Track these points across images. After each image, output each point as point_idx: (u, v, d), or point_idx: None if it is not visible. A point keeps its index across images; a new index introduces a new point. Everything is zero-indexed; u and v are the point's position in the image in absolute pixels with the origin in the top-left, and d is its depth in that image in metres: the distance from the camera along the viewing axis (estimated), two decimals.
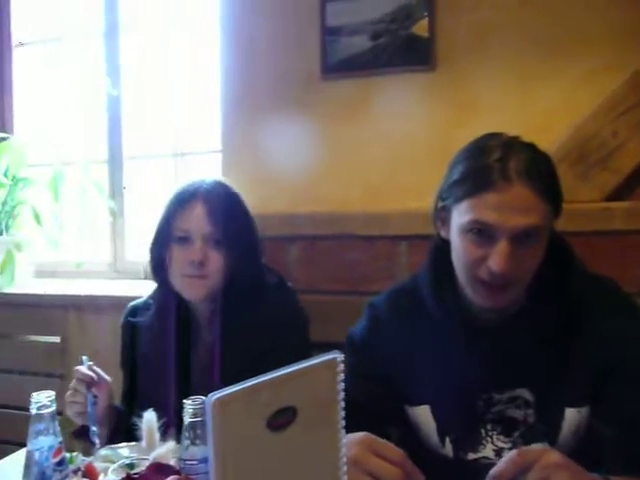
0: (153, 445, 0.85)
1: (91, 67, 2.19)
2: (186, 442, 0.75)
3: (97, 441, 1.03)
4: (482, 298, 0.94)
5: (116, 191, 2.13)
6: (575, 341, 0.96)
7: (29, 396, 2.06)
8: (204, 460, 0.73)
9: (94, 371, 1.11)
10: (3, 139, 2.04)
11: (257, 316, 1.15)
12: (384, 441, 0.79)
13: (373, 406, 0.98)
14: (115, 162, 2.14)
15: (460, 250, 0.94)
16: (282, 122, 1.66)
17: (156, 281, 1.23)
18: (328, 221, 1.57)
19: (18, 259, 1.96)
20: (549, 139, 1.33)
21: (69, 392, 1.10)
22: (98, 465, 0.96)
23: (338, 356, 0.56)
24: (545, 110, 1.43)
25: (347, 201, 1.59)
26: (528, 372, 0.96)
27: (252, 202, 1.26)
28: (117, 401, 1.25)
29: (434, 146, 1.50)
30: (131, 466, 0.89)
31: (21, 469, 0.97)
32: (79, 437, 1.10)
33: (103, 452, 1.03)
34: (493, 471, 0.75)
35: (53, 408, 0.77)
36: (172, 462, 0.79)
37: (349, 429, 0.63)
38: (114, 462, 0.96)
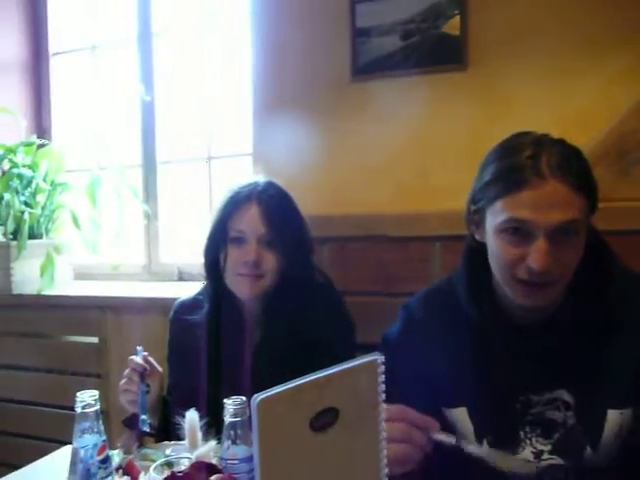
0: (196, 444, 0.87)
1: (125, 74, 2.24)
2: (227, 442, 0.76)
3: (147, 429, 1.07)
4: (522, 297, 0.93)
5: (150, 195, 2.17)
6: (617, 341, 0.94)
7: (68, 395, 2.12)
8: (245, 460, 0.74)
9: (148, 362, 1.15)
10: (42, 145, 2.09)
11: (306, 316, 1.17)
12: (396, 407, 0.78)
13: (410, 407, 0.97)
14: (149, 166, 2.18)
15: (497, 251, 0.93)
16: (312, 124, 1.67)
17: (209, 280, 1.26)
18: (360, 222, 1.57)
19: (57, 262, 2.01)
20: (587, 136, 1.30)
21: (123, 381, 1.14)
22: (138, 463, 0.98)
23: (379, 357, 0.57)
24: (582, 107, 1.41)
25: (378, 202, 1.59)
26: (568, 373, 0.95)
27: None
28: None
29: (467, 146, 1.49)
30: (170, 464, 0.91)
31: (63, 466, 1.00)
32: (129, 425, 1.14)
33: (143, 451, 1.05)
34: None
35: (97, 407, 0.79)
36: (214, 461, 0.80)
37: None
38: (153, 461, 0.98)
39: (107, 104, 2.31)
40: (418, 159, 1.57)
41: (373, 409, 0.56)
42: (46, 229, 2.07)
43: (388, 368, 0.92)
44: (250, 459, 0.76)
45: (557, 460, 0.95)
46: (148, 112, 2.17)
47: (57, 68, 2.41)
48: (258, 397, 0.46)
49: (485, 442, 0.99)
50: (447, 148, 1.53)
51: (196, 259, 2.05)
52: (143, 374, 1.13)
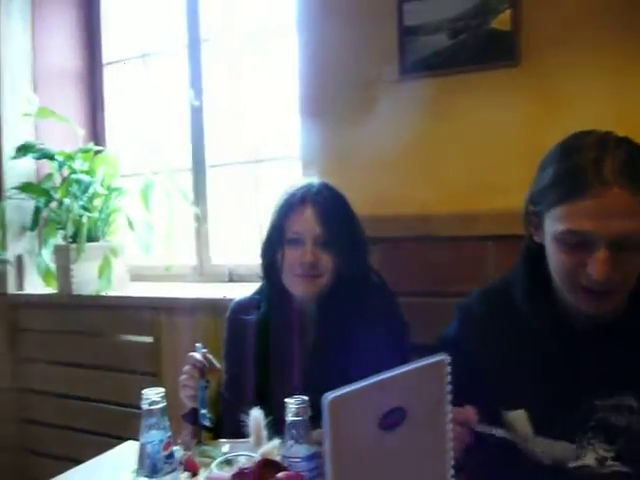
0: (260, 442, 0.88)
1: (175, 80, 2.30)
2: (290, 440, 0.77)
3: (207, 423, 1.10)
4: (585, 304, 0.90)
5: (200, 197, 2.22)
6: None
7: (125, 392, 2.19)
8: (307, 458, 0.75)
9: (207, 358, 1.18)
10: (98, 152, 2.17)
11: (360, 315, 1.18)
12: None
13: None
14: (198, 169, 2.23)
15: (556, 258, 0.90)
16: (360, 125, 1.67)
17: (267, 280, 1.29)
18: (411, 223, 1.56)
19: (114, 263, 2.09)
20: None
21: (183, 376, 1.17)
22: (197, 460, 1.01)
23: (446, 358, 0.56)
24: None
25: (428, 202, 1.57)
26: (632, 377, 0.92)
27: None
28: None
29: (520, 144, 1.46)
30: (229, 462, 0.93)
31: (124, 460, 1.04)
32: (189, 419, 1.17)
33: (201, 447, 1.08)
34: None
35: (163, 404, 0.82)
36: (277, 459, 0.81)
37: None
38: (211, 457, 1.01)
39: (158, 110, 2.38)
40: (468, 158, 1.54)
41: (440, 409, 0.56)
42: (103, 232, 2.14)
43: None
44: (311, 458, 0.77)
45: (621, 467, 0.92)
46: (197, 117, 2.22)
47: (110, 77, 2.50)
48: (329, 396, 0.47)
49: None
50: (499, 147, 1.51)
51: (246, 260, 2.12)
52: (203, 370, 1.16)
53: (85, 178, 2.06)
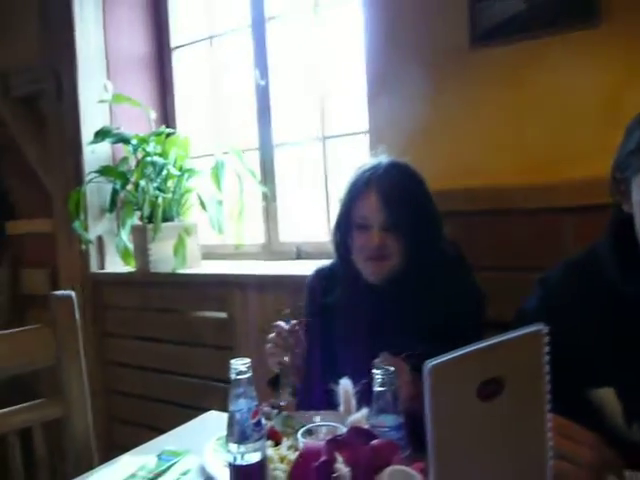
0: (350, 411, 0.90)
1: (241, 60, 2.33)
2: (376, 410, 0.79)
3: (289, 391, 1.14)
4: None
5: (268, 176, 2.25)
6: None
7: (202, 366, 2.27)
8: (394, 428, 0.76)
9: (294, 330, 1.21)
10: (170, 134, 2.24)
11: (434, 292, 1.18)
12: (572, 423, 0.76)
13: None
14: (266, 149, 2.26)
15: None
16: (429, 96, 1.63)
17: (341, 262, 1.32)
18: (484, 195, 1.52)
19: (188, 242, 2.16)
20: None
21: (268, 345, 1.21)
22: (280, 429, 1.04)
23: (543, 328, 0.55)
24: None
25: (503, 173, 1.52)
26: None
27: None
28: None
29: (602, 111, 1.38)
30: (310, 432, 0.95)
31: (209, 428, 1.09)
32: (274, 384, 1.22)
33: (283, 417, 1.11)
34: None
35: (250, 374, 0.85)
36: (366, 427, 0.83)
37: None
38: (291, 426, 1.04)
39: (225, 91, 2.42)
40: (546, 126, 1.48)
41: (538, 381, 0.55)
42: (177, 212, 2.22)
43: None
44: (399, 428, 0.78)
45: None
46: (263, 96, 2.24)
47: (178, 61, 2.56)
48: (431, 363, 0.47)
49: (636, 424, 0.94)
50: (579, 114, 1.43)
51: (313, 238, 2.14)
52: (290, 338, 1.19)
53: (159, 160, 2.13)
